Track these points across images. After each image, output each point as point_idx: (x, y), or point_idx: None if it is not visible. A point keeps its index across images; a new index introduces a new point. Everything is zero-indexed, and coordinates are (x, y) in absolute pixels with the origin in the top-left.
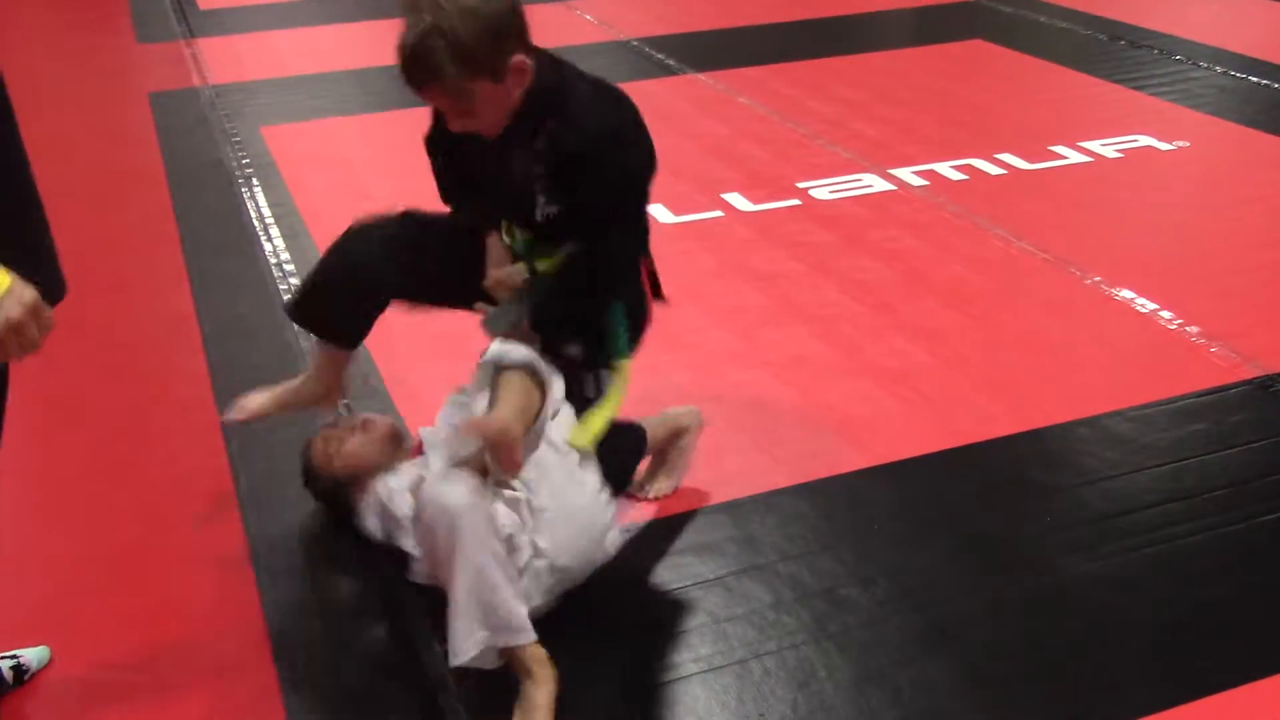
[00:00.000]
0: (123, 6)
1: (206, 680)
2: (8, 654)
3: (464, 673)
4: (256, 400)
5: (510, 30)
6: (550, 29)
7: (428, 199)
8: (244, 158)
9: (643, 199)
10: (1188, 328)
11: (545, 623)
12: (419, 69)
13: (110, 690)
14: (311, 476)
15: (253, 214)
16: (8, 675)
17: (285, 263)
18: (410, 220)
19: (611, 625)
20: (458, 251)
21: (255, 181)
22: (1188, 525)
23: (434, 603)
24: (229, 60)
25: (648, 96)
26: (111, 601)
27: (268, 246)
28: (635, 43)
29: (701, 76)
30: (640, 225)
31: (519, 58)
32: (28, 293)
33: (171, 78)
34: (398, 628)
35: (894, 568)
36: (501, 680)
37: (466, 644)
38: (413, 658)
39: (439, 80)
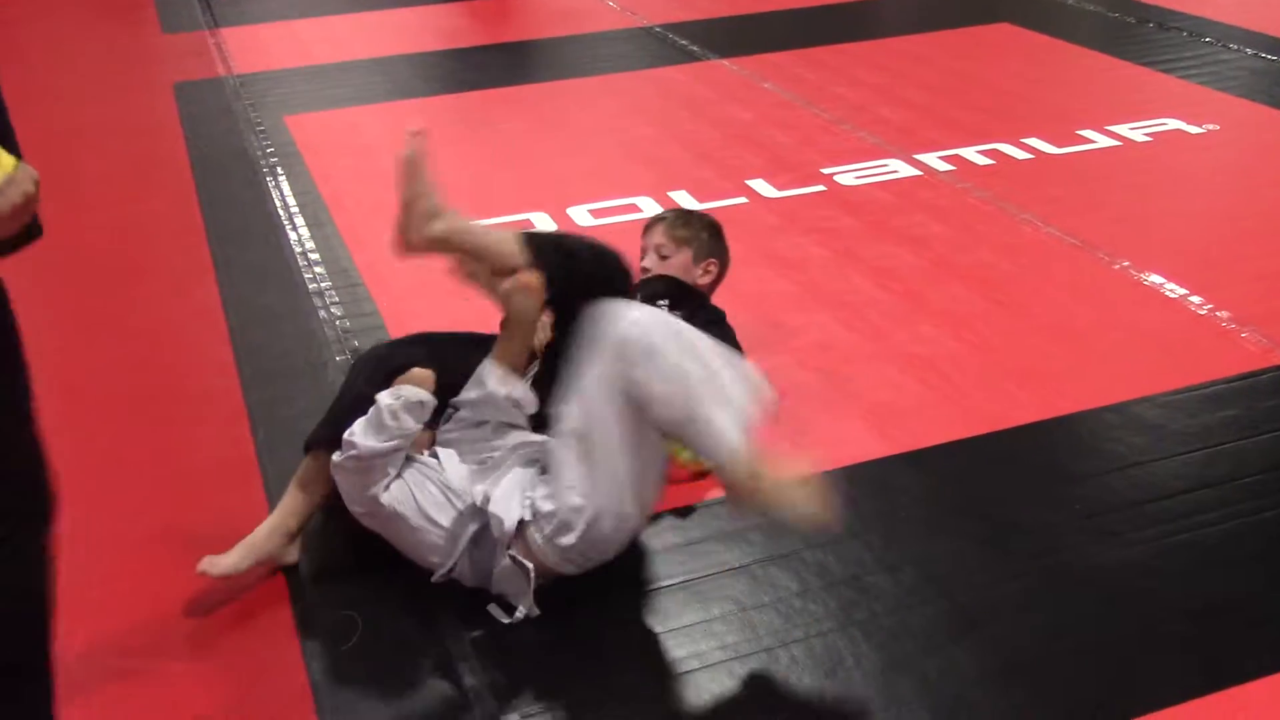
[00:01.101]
0: None
1: (232, 668)
2: None
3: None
4: (228, 560)
5: None
6: (576, 17)
7: (448, 185)
8: (268, 147)
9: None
10: (1218, 312)
11: (572, 608)
12: None
13: (135, 678)
14: None
15: (277, 203)
16: None
17: (310, 251)
18: (425, 338)
19: (637, 612)
20: (474, 362)
21: (279, 170)
22: (1218, 512)
23: (457, 592)
24: (253, 50)
25: (671, 83)
26: (136, 590)
27: (292, 235)
28: (659, 29)
29: (725, 62)
30: None
31: None
32: (31, 168)
33: (196, 68)
34: (426, 613)
35: (921, 555)
36: (526, 666)
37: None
38: (437, 642)
39: None
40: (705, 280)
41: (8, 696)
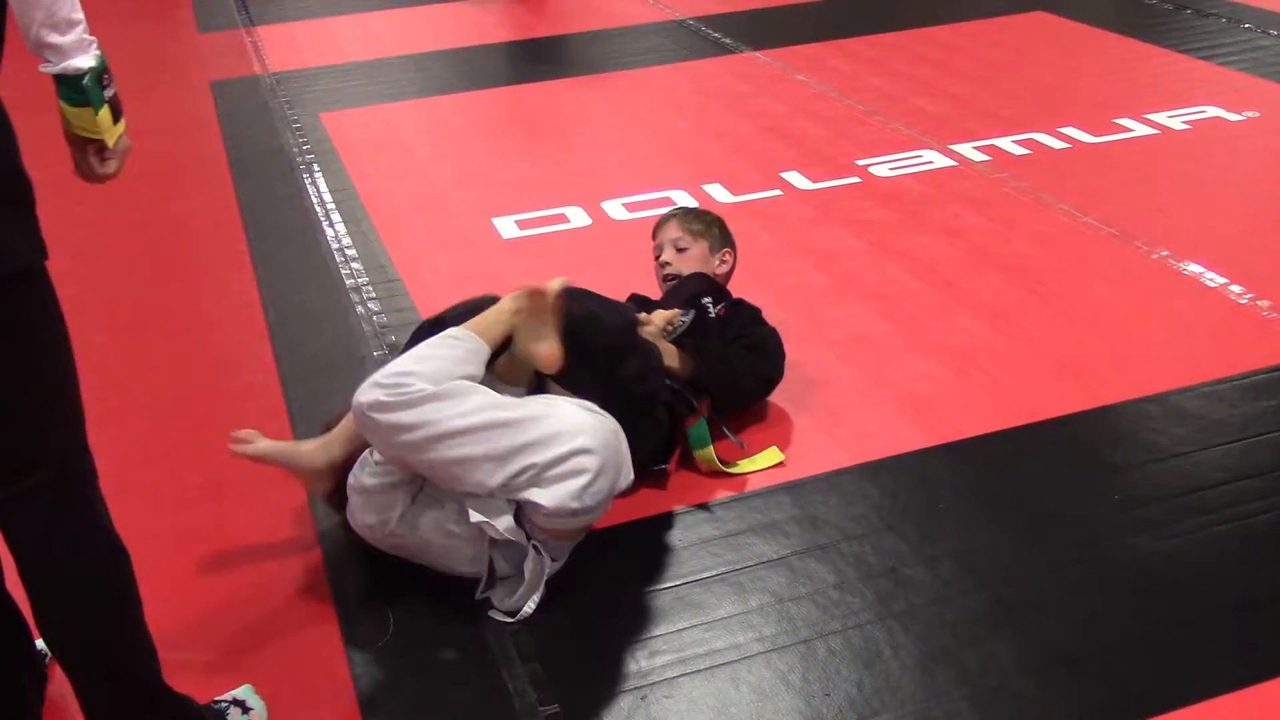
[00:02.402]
0: None
1: (274, 657)
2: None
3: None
4: (262, 444)
5: None
6: (608, 9)
7: (482, 180)
8: (304, 144)
9: None
10: (1259, 301)
11: (611, 602)
12: None
13: (174, 672)
14: None
15: (314, 200)
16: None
17: (347, 248)
18: (477, 304)
19: (676, 605)
20: None
21: (316, 167)
22: (1261, 503)
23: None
24: (288, 47)
25: (705, 76)
26: (178, 582)
27: (329, 232)
28: (691, 22)
29: (758, 55)
30: None
31: None
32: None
33: (232, 66)
34: (465, 607)
35: (959, 547)
36: (565, 659)
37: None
38: (477, 636)
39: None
40: (723, 270)
41: None
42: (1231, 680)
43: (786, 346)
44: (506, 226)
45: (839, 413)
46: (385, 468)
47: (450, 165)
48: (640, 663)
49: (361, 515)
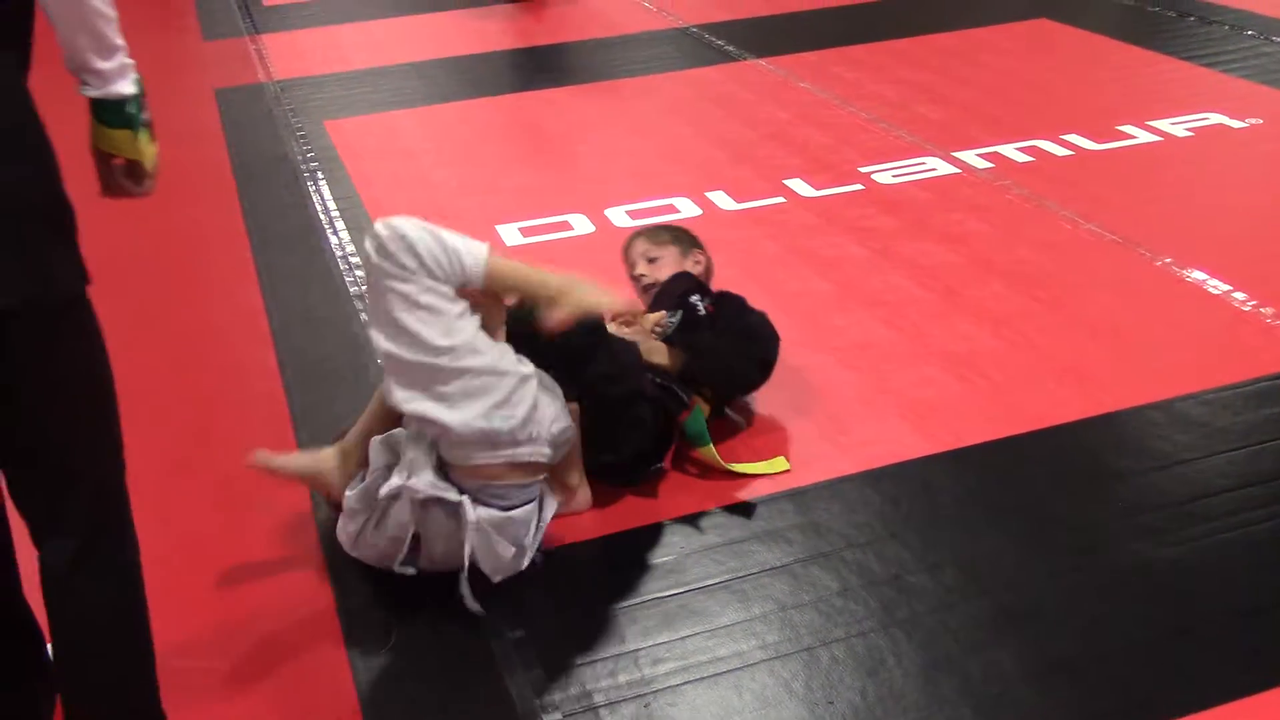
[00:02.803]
0: (189, 4)
1: (277, 665)
2: None
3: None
4: (280, 459)
5: None
6: (610, 16)
7: (485, 188)
8: (309, 151)
9: None
10: (1262, 309)
11: (613, 608)
12: None
13: (179, 680)
14: None
15: (318, 207)
16: None
17: (350, 255)
18: None
19: (679, 611)
20: None
21: (320, 175)
22: (1265, 510)
23: (499, 593)
24: (292, 55)
25: (707, 83)
26: (183, 594)
27: (333, 239)
28: (694, 29)
29: (761, 62)
30: None
31: None
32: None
33: (237, 73)
34: (468, 613)
35: (962, 554)
36: (567, 665)
37: None
38: (480, 642)
39: None
40: (698, 270)
41: None
42: (1234, 688)
43: (789, 353)
44: (510, 234)
45: (842, 420)
46: (361, 489)
47: (454, 173)
48: (643, 670)
49: (341, 525)
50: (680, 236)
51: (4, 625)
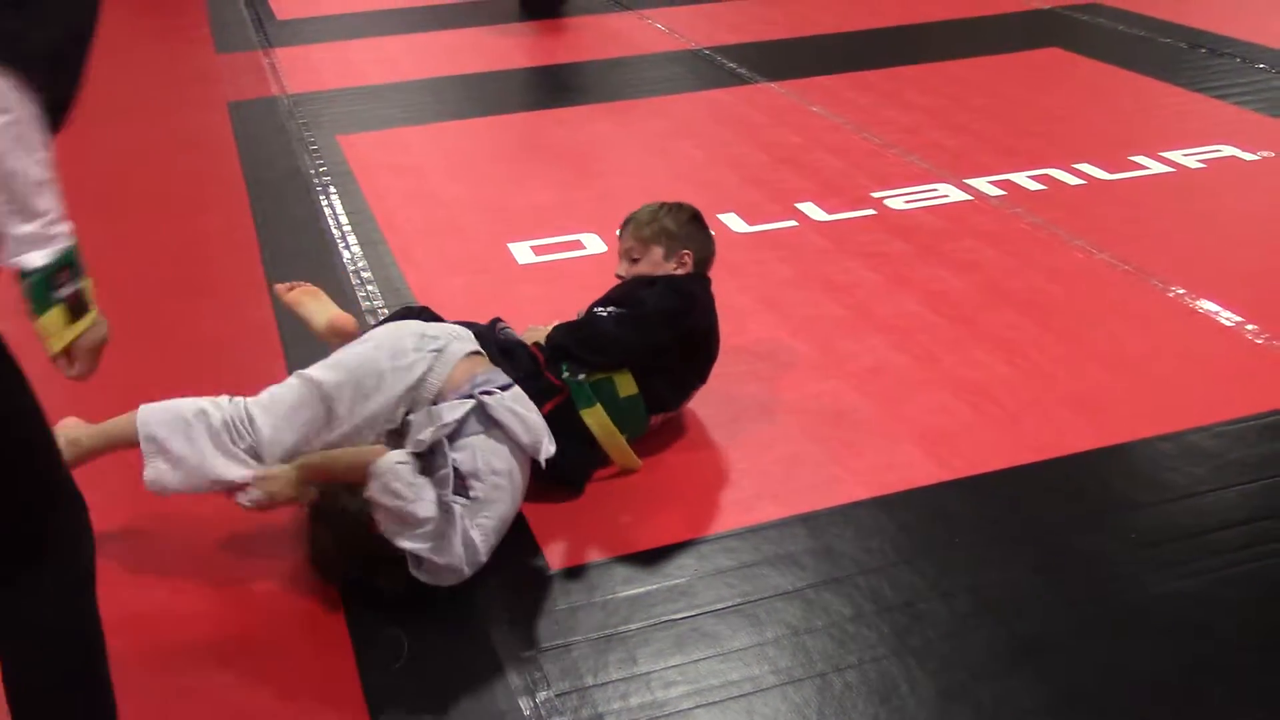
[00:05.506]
0: (203, 17)
1: (287, 679)
2: None
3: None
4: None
5: None
6: (623, 38)
7: (498, 205)
8: (321, 166)
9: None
10: (1275, 341)
11: (624, 630)
12: None
13: (191, 695)
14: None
15: (330, 221)
16: None
17: (362, 270)
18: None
19: (691, 635)
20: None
21: (332, 189)
22: (1278, 544)
23: (509, 612)
24: (305, 70)
25: (720, 106)
26: (190, 608)
27: (345, 254)
28: (707, 52)
29: (773, 86)
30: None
31: None
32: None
33: (250, 87)
34: (479, 631)
35: (975, 582)
36: (578, 686)
37: None
38: (492, 661)
39: None
40: (683, 271)
41: None
42: None
43: (802, 377)
44: (522, 252)
45: (854, 445)
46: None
47: (466, 190)
48: (655, 693)
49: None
50: (671, 234)
51: None
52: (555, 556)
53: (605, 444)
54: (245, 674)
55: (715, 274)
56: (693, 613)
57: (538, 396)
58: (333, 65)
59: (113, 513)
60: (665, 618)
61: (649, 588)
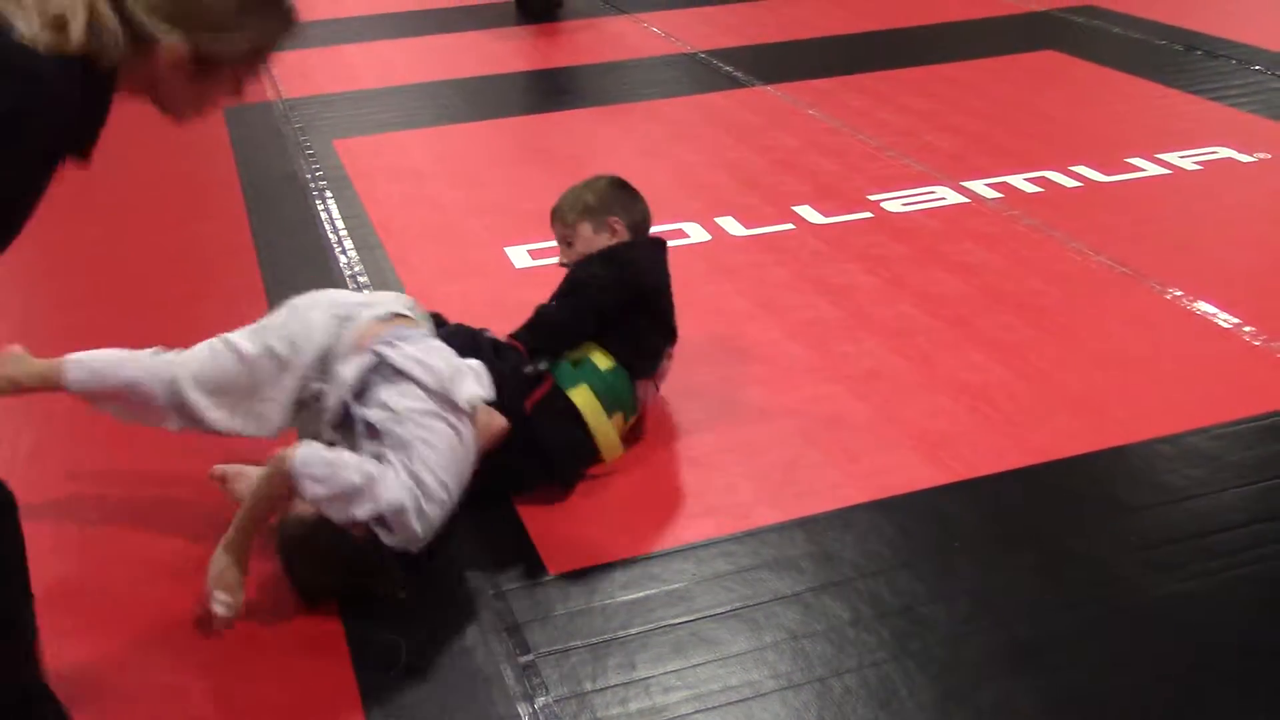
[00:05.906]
0: None
1: (284, 685)
2: None
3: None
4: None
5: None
6: (619, 42)
7: (495, 209)
8: (317, 170)
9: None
10: (1272, 343)
11: (623, 635)
12: None
13: (185, 697)
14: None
15: (326, 226)
16: None
17: (359, 274)
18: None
19: (689, 639)
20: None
21: (329, 194)
22: (1277, 546)
23: (506, 616)
24: (301, 74)
25: (716, 110)
26: (186, 606)
27: (342, 258)
28: (703, 55)
29: (769, 89)
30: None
31: None
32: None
33: (246, 91)
34: (478, 636)
35: (975, 586)
36: (576, 692)
37: None
38: (492, 664)
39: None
40: (615, 239)
41: None
42: None
43: (799, 381)
44: (519, 256)
45: (852, 448)
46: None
47: (463, 194)
48: (654, 698)
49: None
50: (589, 207)
51: None
52: (553, 562)
53: (592, 425)
54: (241, 680)
55: (712, 277)
56: (691, 617)
57: (525, 387)
58: (329, 69)
59: (110, 513)
60: (664, 623)
61: (647, 592)
